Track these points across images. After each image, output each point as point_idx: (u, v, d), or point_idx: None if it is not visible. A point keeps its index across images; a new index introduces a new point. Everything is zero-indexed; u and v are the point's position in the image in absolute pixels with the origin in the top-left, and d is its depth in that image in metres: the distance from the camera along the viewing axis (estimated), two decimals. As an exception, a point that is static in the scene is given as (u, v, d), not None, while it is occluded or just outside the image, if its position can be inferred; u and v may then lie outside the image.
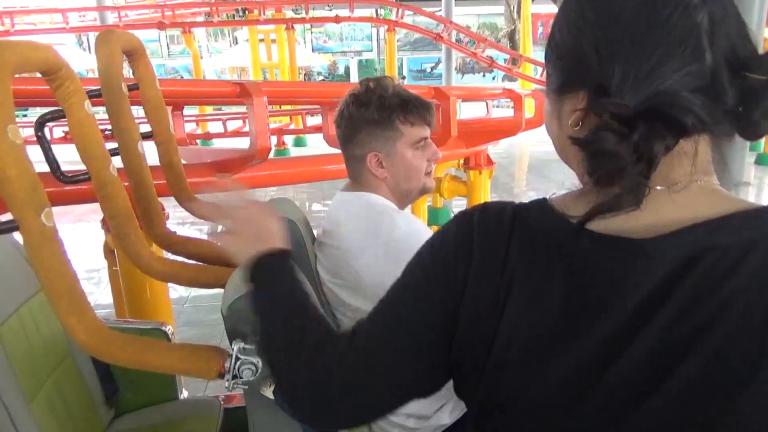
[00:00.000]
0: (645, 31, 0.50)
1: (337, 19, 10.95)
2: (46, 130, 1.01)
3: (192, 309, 3.68)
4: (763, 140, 8.09)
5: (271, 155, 2.14)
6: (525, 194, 7.07)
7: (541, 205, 0.61)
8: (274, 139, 9.64)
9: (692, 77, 0.49)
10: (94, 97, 1.17)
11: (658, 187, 0.52)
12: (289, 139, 10.62)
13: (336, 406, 0.67)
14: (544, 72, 0.64)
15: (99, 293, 3.91)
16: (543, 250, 0.57)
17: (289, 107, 9.42)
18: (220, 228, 0.83)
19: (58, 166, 1.07)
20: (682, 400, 0.48)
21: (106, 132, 1.46)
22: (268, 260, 0.77)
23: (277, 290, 0.75)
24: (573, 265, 0.55)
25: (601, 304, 0.52)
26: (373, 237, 1.23)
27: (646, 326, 0.50)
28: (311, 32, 25.23)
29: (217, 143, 9.38)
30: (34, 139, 1.03)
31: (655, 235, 0.51)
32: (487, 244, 0.59)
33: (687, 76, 0.49)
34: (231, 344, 0.88)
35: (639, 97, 0.49)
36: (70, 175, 1.10)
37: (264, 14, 11.26)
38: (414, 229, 1.23)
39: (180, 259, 1.47)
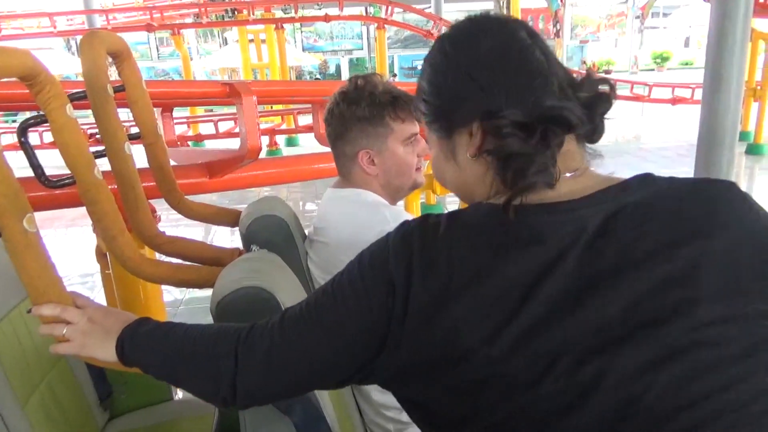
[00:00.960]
0: (509, 65, 0.66)
1: (326, 18, 10.92)
2: (37, 135, 1.01)
3: (187, 311, 3.68)
4: (753, 130, 8.15)
5: (263, 155, 2.14)
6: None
7: (473, 205, 0.69)
8: (266, 140, 9.61)
9: (554, 95, 0.65)
10: (80, 99, 1.17)
11: (566, 174, 0.65)
12: (281, 140, 10.60)
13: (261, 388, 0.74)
14: (428, 121, 0.75)
15: (93, 297, 3.88)
16: (479, 238, 0.65)
17: (280, 107, 9.40)
18: (65, 330, 0.88)
19: (43, 171, 1.06)
20: (639, 313, 0.57)
21: (97, 136, 1.45)
22: (128, 332, 0.83)
23: (158, 344, 0.81)
24: (512, 238, 0.63)
25: (549, 258, 0.61)
26: (364, 232, 1.23)
27: (596, 266, 0.60)
28: (301, 32, 25.18)
29: (209, 145, 9.35)
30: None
31: (578, 198, 0.64)
32: (425, 251, 0.65)
33: (551, 93, 0.64)
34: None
35: (526, 110, 0.63)
36: (54, 179, 1.10)
37: (253, 14, 11.21)
38: (403, 225, 1.24)
39: (172, 260, 1.47)
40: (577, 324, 0.58)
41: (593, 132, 0.68)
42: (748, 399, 0.55)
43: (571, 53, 25.42)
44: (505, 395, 0.59)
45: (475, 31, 0.69)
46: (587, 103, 0.66)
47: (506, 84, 0.65)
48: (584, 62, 24.26)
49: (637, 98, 10.55)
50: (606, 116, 0.68)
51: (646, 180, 0.66)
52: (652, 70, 27.33)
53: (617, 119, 12.47)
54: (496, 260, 0.62)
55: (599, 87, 0.67)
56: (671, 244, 0.60)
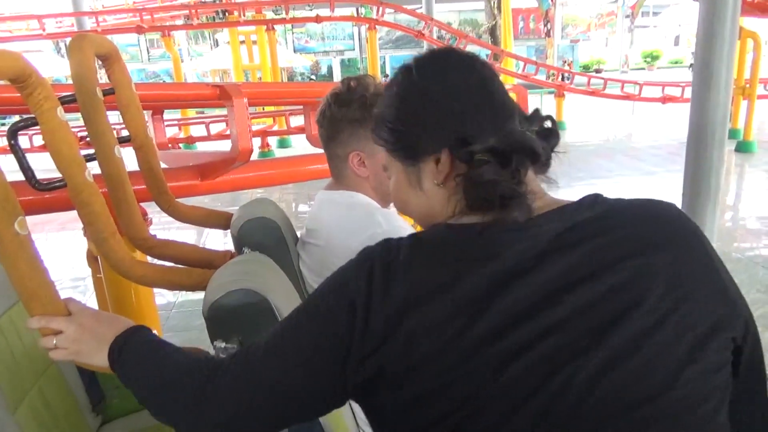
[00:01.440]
0: (476, 97, 0.69)
1: (317, 19, 10.92)
2: (27, 139, 1.01)
3: (179, 314, 3.66)
4: (742, 128, 8.21)
5: (255, 157, 2.13)
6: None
7: (433, 227, 0.72)
8: (258, 141, 9.59)
9: (518, 127, 0.68)
10: (69, 102, 1.16)
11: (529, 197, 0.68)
12: (273, 141, 10.58)
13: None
14: (393, 149, 0.76)
15: (85, 301, 3.87)
16: (438, 257, 0.67)
17: (272, 108, 9.38)
18: (54, 342, 0.88)
19: (33, 174, 1.06)
20: (590, 318, 0.61)
21: (87, 139, 1.45)
22: (119, 342, 0.83)
23: (141, 364, 0.81)
24: (470, 255, 0.66)
25: (504, 272, 0.63)
26: (356, 234, 1.23)
27: (553, 274, 0.63)
28: (292, 33, 25.15)
29: (201, 147, 9.31)
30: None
31: (534, 216, 0.67)
32: (385, 272, 0.66)
33: (516, 126, 0.68)
34: (212, 344, 0.88)
35: (498, 141, 0.66)
36: (45, 182, 1.09)
37: (244, 16, 11.18)
38: (395, 227, 1.24)
39: (164, 263, 1.46)
40: (528, 332, 0.61)
41: (545, 163, 0.72)
42: (692, 402, 0.60)
43: (561, 52, 25.53)
44: (458, 401, 0.61)
45: (442, 64, 0.72)
46: (542, 136, 0.70)
47: (477, 114, 0.68)
48: (564, 61, 24.55)
49: (627, 97, 10.59)
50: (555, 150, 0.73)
51: (596, 200, 0.70)
52: (643, 69, 27.50)
53: (608, 118, 12.53)
54: (453, 277, 0.64)
55: (545, 123, 0.73)
56: (620, 257, 0.63)
